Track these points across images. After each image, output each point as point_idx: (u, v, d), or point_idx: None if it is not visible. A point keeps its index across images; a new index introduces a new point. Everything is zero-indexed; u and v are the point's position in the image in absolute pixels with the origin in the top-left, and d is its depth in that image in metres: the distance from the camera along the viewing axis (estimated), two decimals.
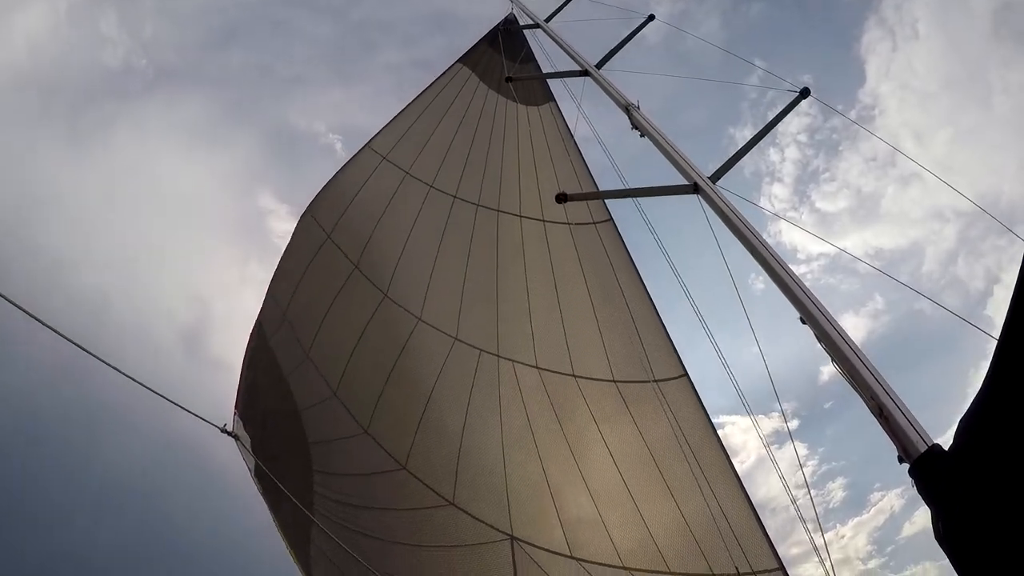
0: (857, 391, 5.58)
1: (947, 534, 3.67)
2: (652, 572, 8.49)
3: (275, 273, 9.13)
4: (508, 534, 8.41)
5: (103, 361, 4.62)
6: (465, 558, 8.47)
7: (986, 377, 3.05)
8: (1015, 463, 2.84)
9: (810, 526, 9.14)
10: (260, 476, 8.85)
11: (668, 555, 8.57)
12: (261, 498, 9.00)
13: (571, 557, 8.44)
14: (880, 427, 4.25)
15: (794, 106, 7.01)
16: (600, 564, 8.43)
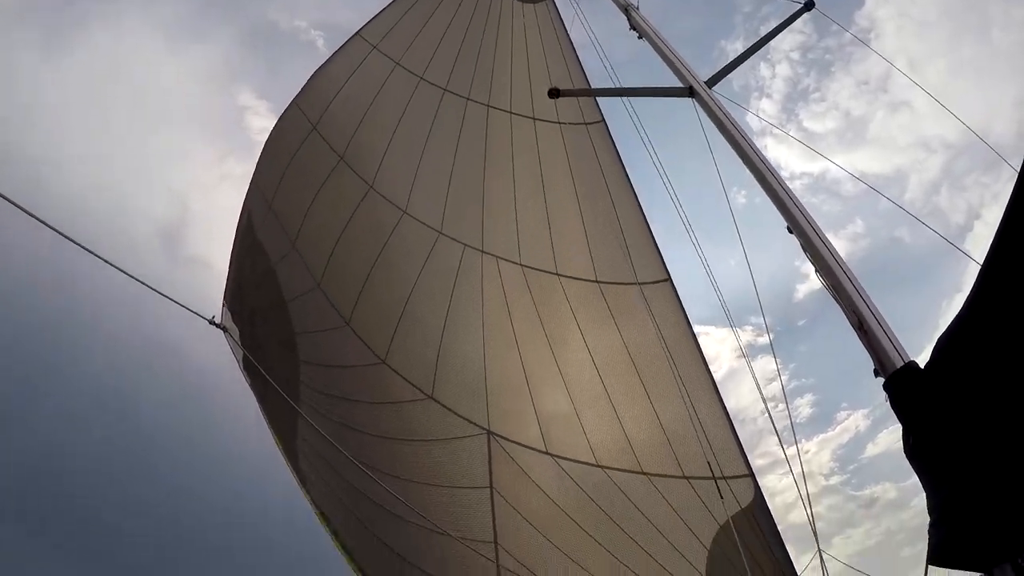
0: (838, 302, 5.54)
1: (916, 449, 3.68)
2: (625, 471, 8.61)
3: (259, 163, 9.03)
4: (485, 428, 8.51)
5: (87, 249, 4.31)
6: (442, 451, 8.59)
7: (967, 298, 3.01)
8: (987, 382, 2.90)
9: (782, 437, 9.23)
10: (248, 367, 8.94)
11: (642, 456, 8.68)
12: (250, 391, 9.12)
13: (546, 453, 8.55)
14: (854, 344, 4.27)
15: (796, 18, 6.81)
16: (574, 461, 8.55)
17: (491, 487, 8.42)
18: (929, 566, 3.88)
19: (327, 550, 8.76)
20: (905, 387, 3.49)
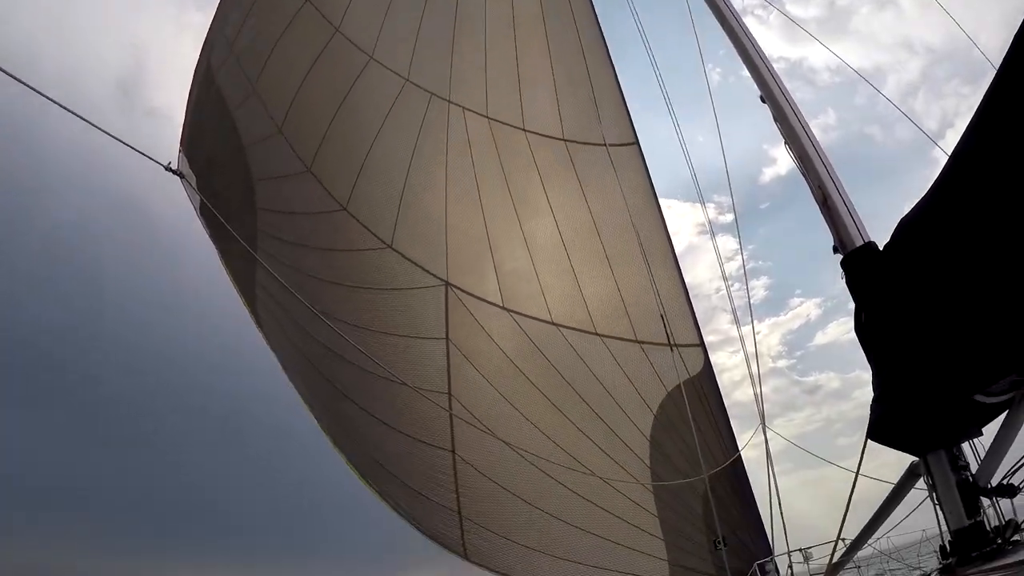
0: (804, 176, 5.48)
1: (866, 327, 3.68)
2: (579, 331, 8.69)
3: (220, 5, 8.67)
4: (443, 280, 8.49)
5: (44, 96, 3.98)
6: (399, 301, 8.58)
7: (932, 186, 2.97)
8: (941, 268, 2.93)
9: (736, 315, 9.33)
10: (205, 214, 8.78)
11: (597, 318, 8.75)
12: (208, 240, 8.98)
13: (503, 308, 8.58)
14: (814, 233, 4.35)
15: None
16: (530, 317, 8.60)
17: (447, 339, 8.45)
18: (868, 441, 3.95)
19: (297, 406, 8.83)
20: (862, 265, 3.56)
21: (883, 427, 3.55)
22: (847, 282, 4.03)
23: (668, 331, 8.51)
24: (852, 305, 3.74)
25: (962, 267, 2.95)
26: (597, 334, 8.66)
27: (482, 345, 8.47)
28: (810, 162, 5.00)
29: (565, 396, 8.57)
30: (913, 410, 3.47)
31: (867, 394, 3.65)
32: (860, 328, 3.62)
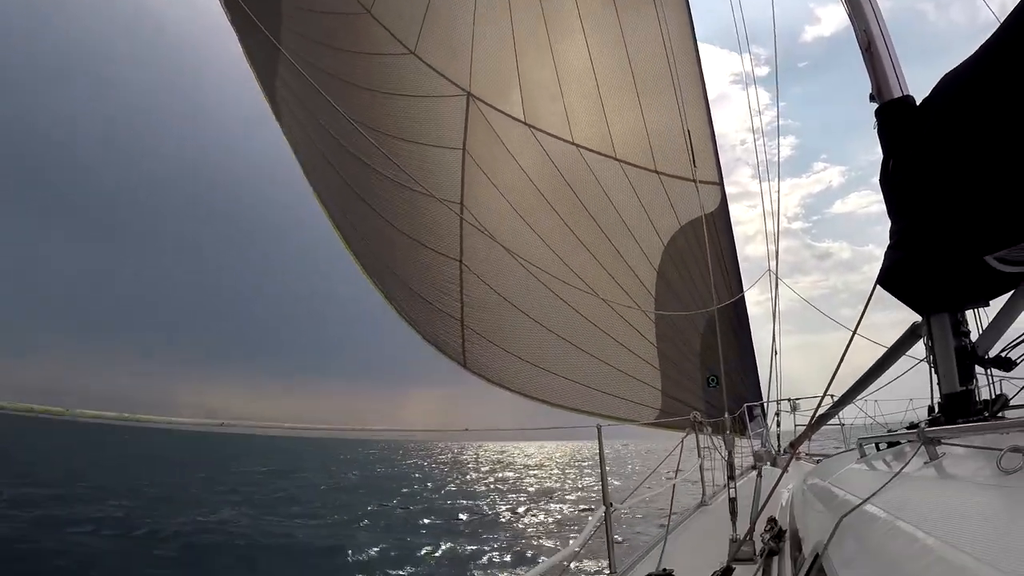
0: (851, 18, 5.20)
1: (891, 175, 3.52)
2: (599, 154, 8.59)
3: None
4: (465, 90, 8.35)
5: None
6: (419, 108, 8.45)
7: (981, 47, 2.74)
8: (975, 130, 2.79)
9: (758, 170, 9.11)
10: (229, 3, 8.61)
11: (618, 143, 8.64)
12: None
13: (524, 123, 8.47)
14: (850, 98, 4.13)
15: None
16: (551, 135, 8.49)
17: (464, 149, 8.38)
18: (877, 287, 3.85)
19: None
20: (896, 116, 3.46)
21: (894, 275, 3.46)
22: (879, 131, 3.93)
23: (692, 160, 8.41)
24: (880, 158, 3.70)
25: (995, 130, 2.87)
26: (616, 159, 8.57)
27: (499, 158, 8.39)
28: (858, 3, 4.88)
29: (577, 217, 8.55)
30: (925, 263, 3.40)
31: (876, 270, 3.63)
32: (885, 178, 3.56)
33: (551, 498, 26.34)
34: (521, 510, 21.73)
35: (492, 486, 32.99)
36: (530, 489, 31.50)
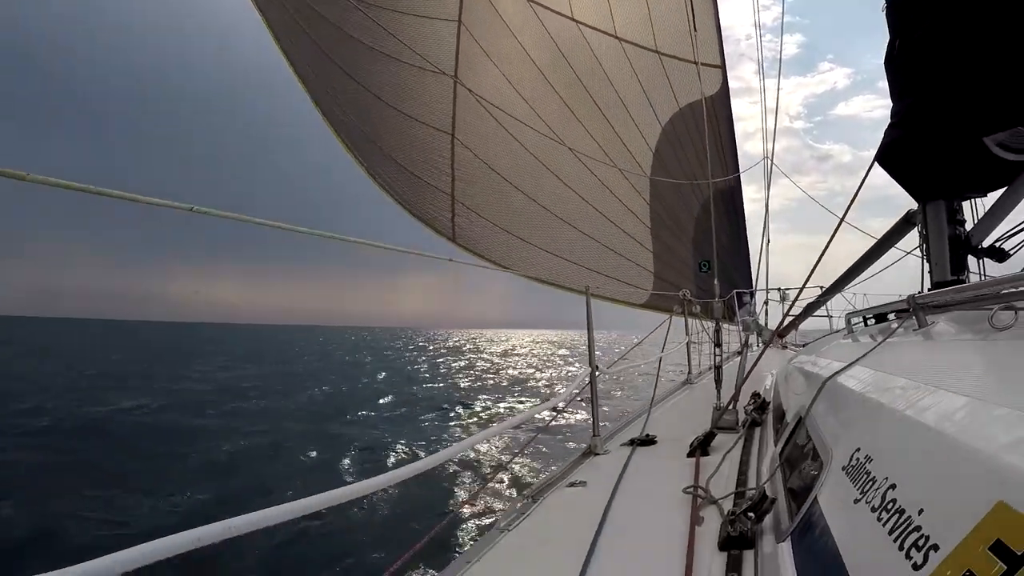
0: None
1: (898, 55, 3.33)
2: (599, 31, 8.39)
3: None
4: None
5: None
6: None
7: None
8: (984, 3, 2.70)
9: (761, 65, 9.00)
10: None
11: (619, 22, 8.44)
12: None
13: None
14: None
15: None
16: (551, 10, 8.27)
17: (459, 20, 8.16)
18: (875, 164, 3.72)
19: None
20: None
21: (893, 154, 3.36)
22: (887, 11, 3.79)
23: (694, 44, 8.24)
24: (885, 46, 3.60)
25: (1000, 9, 2.66)
26: (616, 37, 8.38)
27: (496, 31, 8.18)
28: None
29: (574, 93, 8.38)
30: (925, 142, 3.21)
31: (876, 176, 3.53)
32: (890, 59, 3.47)
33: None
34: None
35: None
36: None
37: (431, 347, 67.66)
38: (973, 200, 3.60)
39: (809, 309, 8.36)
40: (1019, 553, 0.63)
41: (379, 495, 7.94)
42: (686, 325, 6.87)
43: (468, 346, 73.31)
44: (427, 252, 2.70)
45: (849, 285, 6.38)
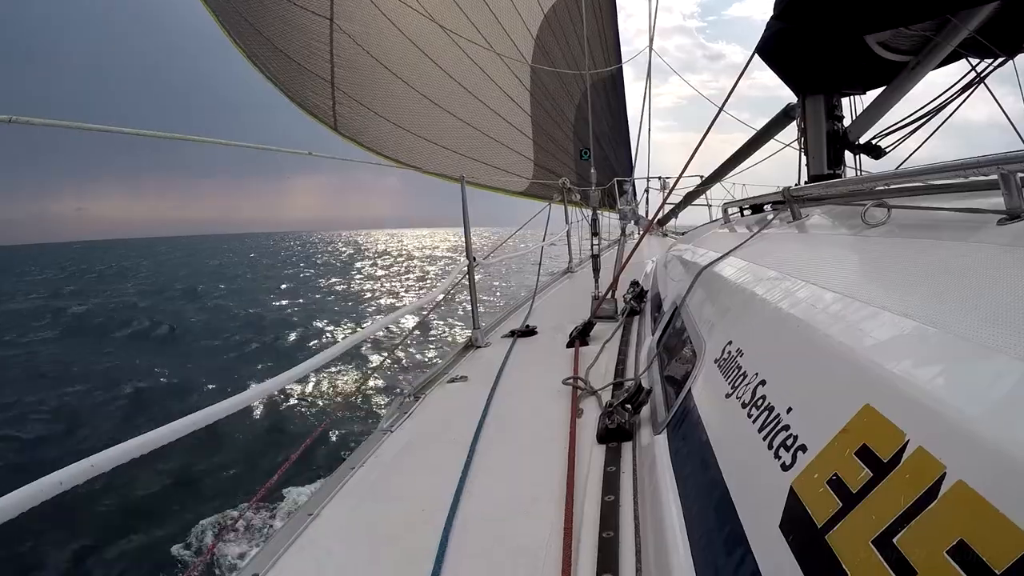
0: None
1: None
2: None
3: None
4: None
5: None
6: None
7: None
8: None
9: None
10: None
11: None
12: None
13: None
14: None
15: None
16: None
17: None
18: (755, 55, 3.47)
19: None
20: None
21: (774, 46, 3.25)
22: None
23: None
24: None
25: None
26: None
27: None
28: None
29: None
30: (806, 36, 3.12)
31: (767, 77, 3.36)
32: None
33: None
34: None
35: None
36: None
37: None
38: (852, 97, 3.64)
39: (689, 198, 8.66)
40: (884, 460, 0.62)
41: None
42: (565, 213, 7.05)
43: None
44: (284, 148, 2.59)
45: (728, 175, 6.53)
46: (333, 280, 29.55)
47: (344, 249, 71.27)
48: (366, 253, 59.41)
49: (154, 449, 0.97)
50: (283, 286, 26.51)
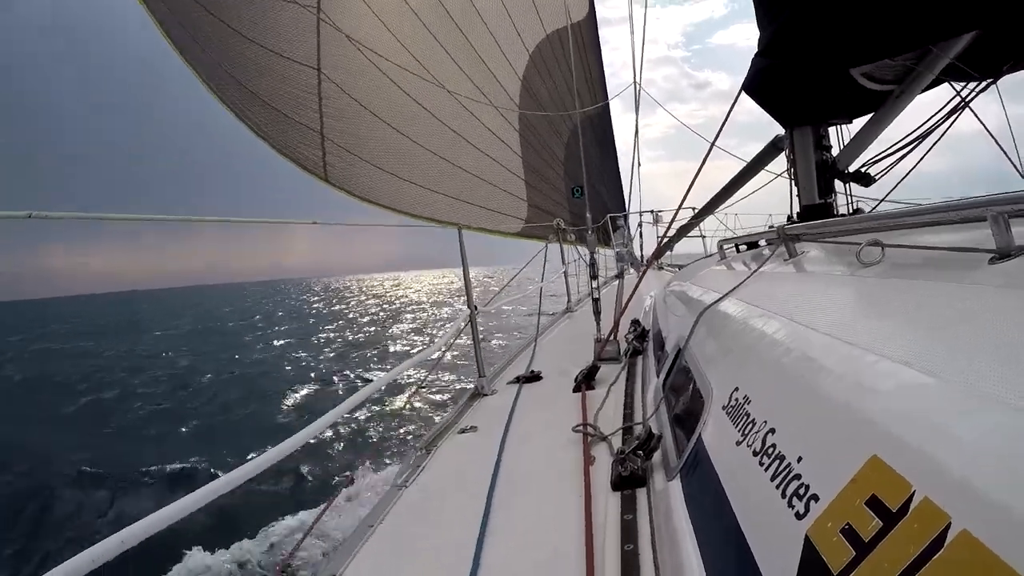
0: None
1: None
2: None
3: None
4: None
5: None
6: None
7: None
8: None
9: None
10: None
11: None
12: None
13: None
14: None
15: None
16: None
17: None
18: (742, 92, 3.61)
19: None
20: None
21: (760, 82, 3.31)
22: None
23: None
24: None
25: None
26: None
27: None
28: None
29: (441, 25, 8.33)
30: (791, 72, 3.19)
31: (755, 104, 3.45)
32: None
33: None
34: None
35: None
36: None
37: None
38: (839, 126, 3.63)
39: (683, 231, 8.63)
40: (893, 510, 0.64)
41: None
42: (562, 254, 7.03)
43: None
44: (292, 220, 2.45)
45: (721, 207, 6.54)
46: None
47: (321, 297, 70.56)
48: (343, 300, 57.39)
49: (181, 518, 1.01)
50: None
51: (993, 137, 2.90)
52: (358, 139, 8.34)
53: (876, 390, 0.82)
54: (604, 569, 1.40)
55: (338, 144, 8.34)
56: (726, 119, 3.52)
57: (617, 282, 8.24)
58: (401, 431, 9.26)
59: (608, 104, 8.90)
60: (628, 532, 1.52)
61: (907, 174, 3.20)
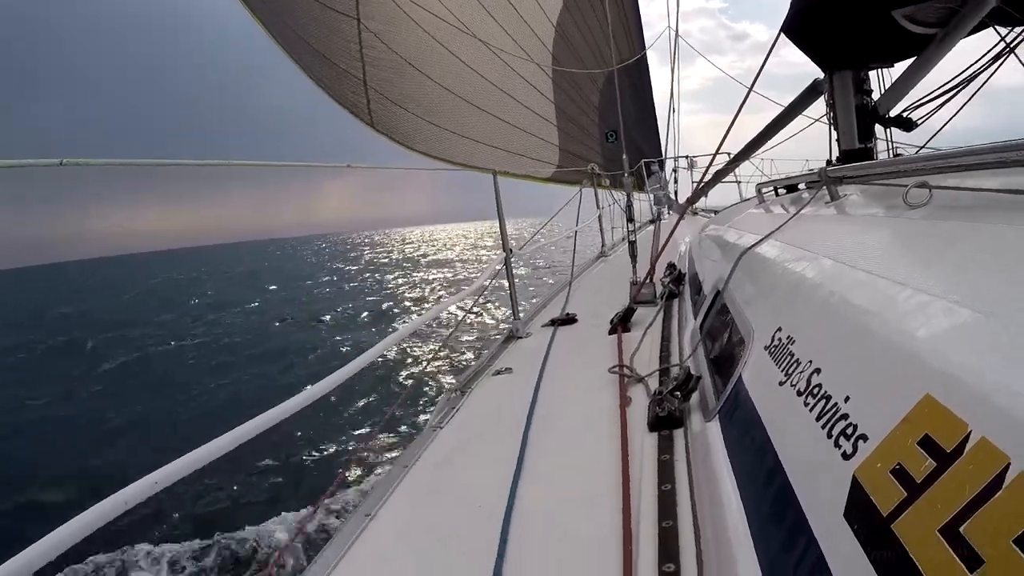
0: None
1: None
2: None
3: None
4: None
5: None
6: None
7: None
8: None
9: None
10: None
11: None
12: None
13: None
14: None
15: None
16: None
17: None
18: (781, 34, 3.49)
19: None
20: None
21: (800, 24, 3.20)
22: None
23: None
24: None
25: None
26: None
27: None
28: None
29: None
30: (832, 13, 3.10)
31: (794, 54, 3.30)
32: None
33: None
34: None
35: None
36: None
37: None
38: (880, 70, 3.55)
39: (718, 176, 8.67)
40: (948, 450, 0.62)
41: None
42: (596, 198, 7.11)
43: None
44: (323, 163, 2.57)
45: (757, 152, 6.55)
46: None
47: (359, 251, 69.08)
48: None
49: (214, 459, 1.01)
50: None
51: None
52: (395, 86, 8.48)
53: (928, 329, 0.79)
54: (640, 509, 1.39)
55: (379, 91, 8.50)
56: (764, 61, 3.40)
57: (652, 227, 8.33)
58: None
59: (645, 54, 8.87)
60: (665, 472, 1.51)
61: (949, 120, 3.20)
